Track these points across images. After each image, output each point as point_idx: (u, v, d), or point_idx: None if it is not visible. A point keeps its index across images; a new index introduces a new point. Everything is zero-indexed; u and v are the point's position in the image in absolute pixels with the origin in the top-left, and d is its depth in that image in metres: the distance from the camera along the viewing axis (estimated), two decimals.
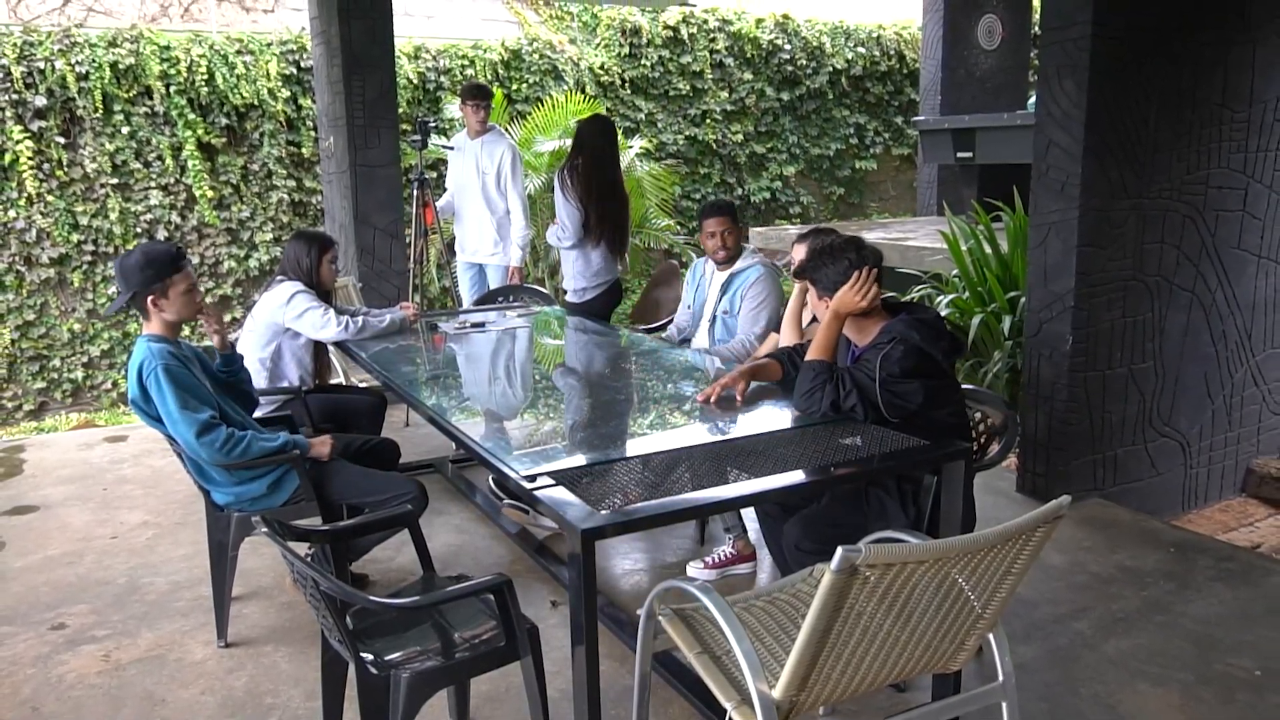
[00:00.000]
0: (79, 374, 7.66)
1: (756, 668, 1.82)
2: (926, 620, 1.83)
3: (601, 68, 9.41)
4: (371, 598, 2.17)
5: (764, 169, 10.32)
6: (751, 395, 2.98)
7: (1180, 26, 4.01)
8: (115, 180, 7.61)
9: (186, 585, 3.55)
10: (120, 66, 7.51)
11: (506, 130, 8.25)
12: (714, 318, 4.06)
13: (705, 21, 9.86)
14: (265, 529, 2.15)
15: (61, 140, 7.41)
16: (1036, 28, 8.92)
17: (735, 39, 9.98)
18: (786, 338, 3.33)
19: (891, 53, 10.70)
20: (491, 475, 3.75)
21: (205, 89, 7.74)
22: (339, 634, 2.13)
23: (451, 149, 5.77)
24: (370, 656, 2.15)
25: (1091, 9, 3.79)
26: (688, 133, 9.85)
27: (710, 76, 9.88)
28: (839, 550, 1.62)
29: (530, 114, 8.52)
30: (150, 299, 2.93)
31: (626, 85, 9.55)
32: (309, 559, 2.26)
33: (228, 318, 8.00)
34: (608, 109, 9.22)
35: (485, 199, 5.59)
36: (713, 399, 2.88)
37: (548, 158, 7.84)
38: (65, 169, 7.45)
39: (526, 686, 2.28)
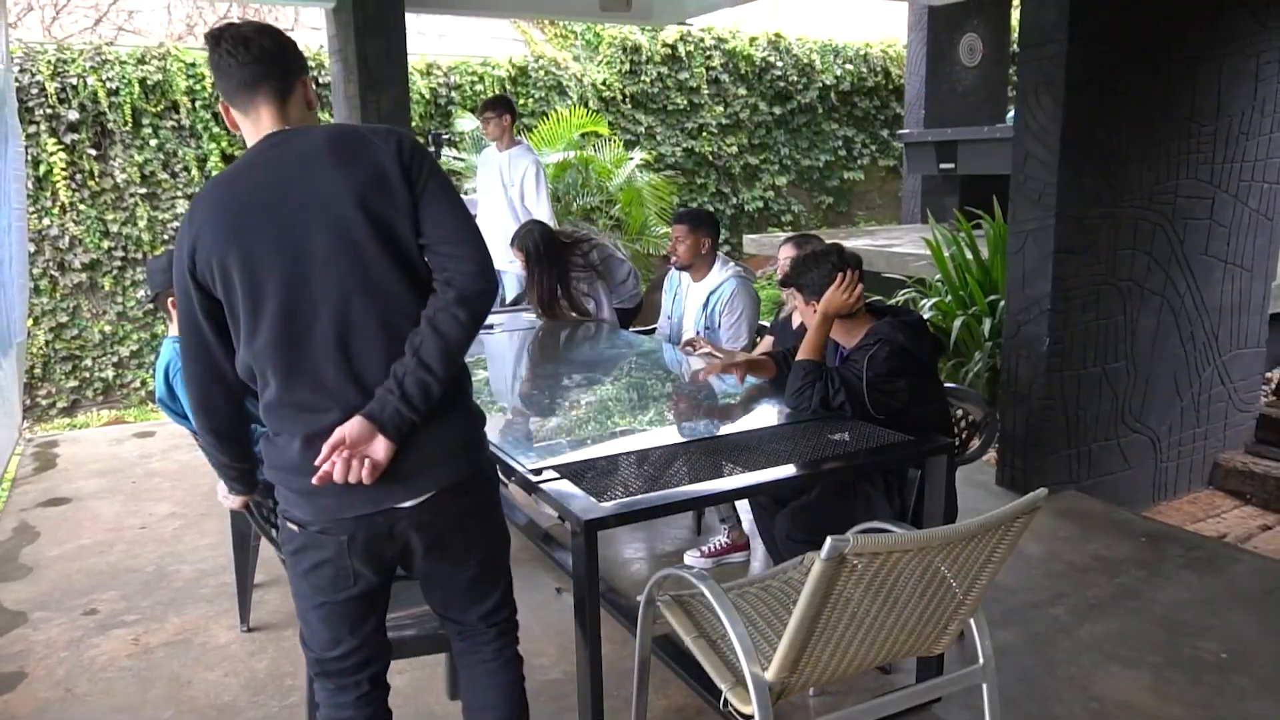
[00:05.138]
0: (109, 373, 7.65)
1: (750, 651, 1.82)
2: (911, 606, 1.83)
3: (603, 83, 9.40)
4: None
5: (757, 179, 10.31)
6: (746, 394, 2.98)
7: (1152, 45, 4.02)
8: (144, 190, 7.60)
9: (211, 573, 3.55)
10: (149, 82, 7.50)
11: None
12: (696, 334, 4.02)
13: (702, 40, 9.85)
14: (247, 512, 2.16)
15: (93, 152, 7.41)
16: (1015, 46, 8.92)
17: (730, 56, 9.97)
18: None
19: (878, 69, 10.69)
20: None
21: None
22: None
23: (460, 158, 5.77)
24: None
25: (1067, 28, 3.79)
26: (685, 145, 9.85)
27: (706, 92, 9.88)
28: (828, 540, 1.62)
29: (536, 127, 8.52)
30: (170, 300, 2.94)
31: (627, 100, 9.54)
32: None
33: None
34: (609, 123, 9.22)
35: (510, 210, 5.56)
36: (704, 376, 2.89)
37: (552, 169, 7.83)
38: (96, 179, 7.44)
39: None
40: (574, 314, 4.45)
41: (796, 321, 3.29)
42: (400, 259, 1.67)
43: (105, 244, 7.50)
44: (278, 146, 1.69)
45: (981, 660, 2.04)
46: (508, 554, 2.01)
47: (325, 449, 1.63)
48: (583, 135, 8.48)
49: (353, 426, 1.63)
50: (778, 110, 10.27)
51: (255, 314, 1.65)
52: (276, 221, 1.64)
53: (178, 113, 7.62)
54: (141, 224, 7.56)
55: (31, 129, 7.15)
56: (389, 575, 1.85)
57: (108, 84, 7.35)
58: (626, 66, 9.52)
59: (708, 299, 3.92)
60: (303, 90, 1.75)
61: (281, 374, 1.68)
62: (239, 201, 1.66)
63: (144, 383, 7.70)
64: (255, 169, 1.69)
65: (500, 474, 3.90)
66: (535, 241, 4.38)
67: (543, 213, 5.52)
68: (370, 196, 1.63)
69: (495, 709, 1.95)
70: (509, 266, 5.73)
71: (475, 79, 8.81)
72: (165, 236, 7.70)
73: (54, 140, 7.23)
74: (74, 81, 7.27)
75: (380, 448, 1.64)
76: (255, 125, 1.72)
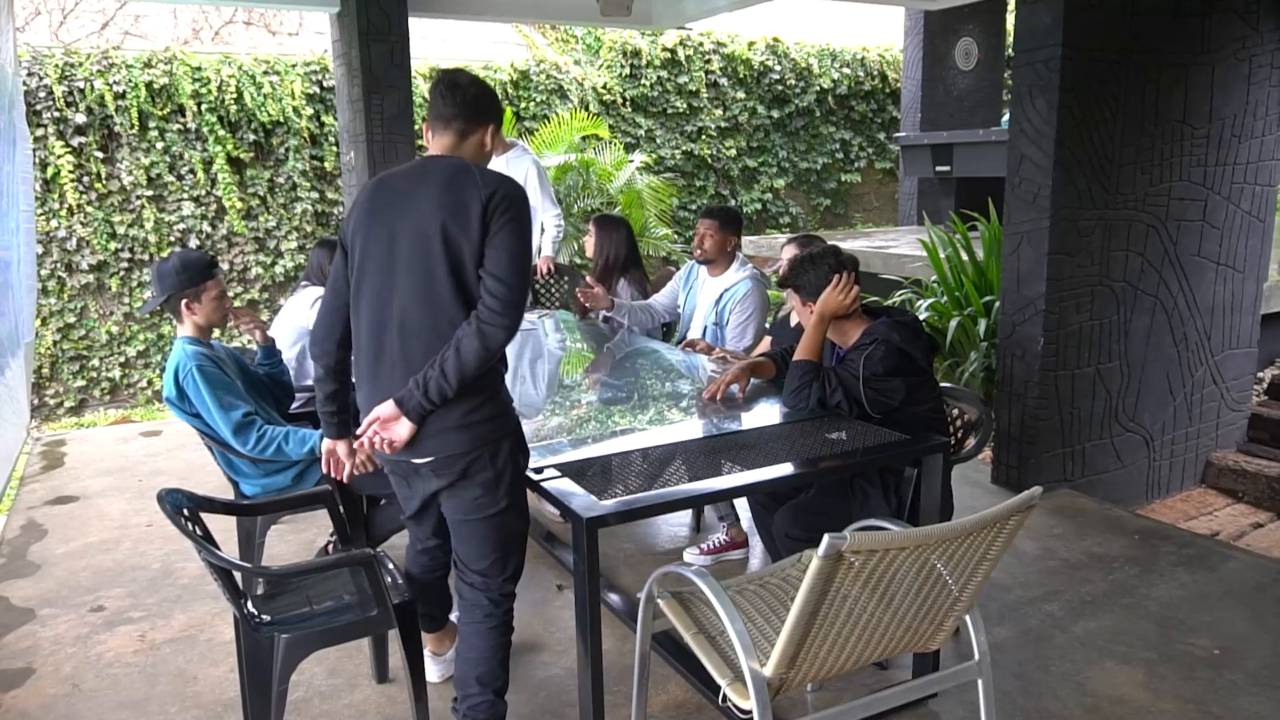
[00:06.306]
0: (116, 373, 7.65)
1: (749, 647, 1.82)
2: (907, 603, 1.83)
3: (604, 87, 9.40)
4: (236, 561, 2.33)
5: (755, 182, 10.32)
6: (745, 393, 2.98)
7: (1144, 49, 4.02)
8: (150, 192, 7.60)
9: None
10: (155, 86, 7.50)
11: None
12: (704, 328, 4.02)
13: (701, 44, 9.85)
14: (172, 507, 2.33)
15: (100, 155, 7.41)
16: (1010, 50, 8.92)
17: (729, 60, 9.97)
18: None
19: (874, 73, 10.70)
20: None
21: (234, 107, 7.74)
22: (227, 595, 2.32)
23: None
24: (253, 611, 2.33)
25: (1062, 32, 3.79)
26: (684, 148, 9.85)
27: (705, 95, 9.88)
28: (825, 537, 1.62)
29: (537, 130, 8.53)
30: (184, 302, 2.94)
31: (627, 104, 9.55)
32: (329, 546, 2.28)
33: None
34: (610, 126, 9.22)
35: None
36: (718, 396, 2.88)
37: (553, 171, 7.84)
38: (104, 182, 7.44)
39: (406, 653, 2.37)
40: (601, 307, 4.31)
41: (794, 321, 3.29)
42: (456, 278, 2.06)
43: (112, 245, 7.50)
44: (420, 166, 2.15)
45: (977, 656, 2.04)
46: (517, 536, 2.27)
47: (365, 422, 2.14)
48: (583, 138, 8.48)
49: (386, 407, 2.09)
50: (776, 113, 10.27)
51: (359, 290, 2.17)
52: (389, 225, 2.11)
53: (184, 116, 7.62)
54: (148, 226, 7.57)
55: (39, 132, 7.15)
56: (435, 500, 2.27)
57: (114, 88, 7.35)
58: (627, 70, 9.52)
59: (720, 295, 3.92)
60: (482, 135, 2.20)
61: (363, 341, 2.19)
62: (376, 199, 2.17)
63: (150, 382, 7.70)
64: (398, 178, 2.16)
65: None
66: (622, 233, 4.52)
67: (551, 211, 5.49)
68: (450, 223, 2.04)
69: (462, 656, 2.29)
70: None
71: None
72: (172, 238, 7.71)
73: (61, 143, 7.24)
74: (81, 85, 7.27)
75: (404, 428, 2.09)
76: (431, 145, 2.21)
